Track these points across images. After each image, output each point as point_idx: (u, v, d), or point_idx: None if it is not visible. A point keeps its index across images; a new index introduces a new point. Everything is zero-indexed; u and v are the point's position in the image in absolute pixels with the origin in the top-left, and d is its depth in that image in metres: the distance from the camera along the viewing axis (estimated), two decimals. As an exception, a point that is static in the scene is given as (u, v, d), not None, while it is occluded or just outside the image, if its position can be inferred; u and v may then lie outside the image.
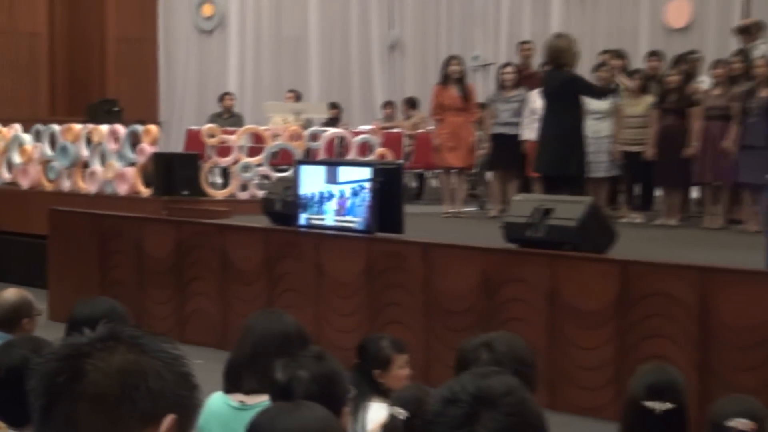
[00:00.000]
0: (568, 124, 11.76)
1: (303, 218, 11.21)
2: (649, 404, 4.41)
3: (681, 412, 4.47)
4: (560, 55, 11.82)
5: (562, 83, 11.74)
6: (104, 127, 14.91)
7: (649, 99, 13.45)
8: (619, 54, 14.38)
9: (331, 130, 15.29)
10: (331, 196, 10.98)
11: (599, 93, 12.16)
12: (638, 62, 14.52)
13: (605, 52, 14.65)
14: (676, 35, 16.94)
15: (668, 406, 4.42)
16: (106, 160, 14.63)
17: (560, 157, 11.67)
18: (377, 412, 4.92)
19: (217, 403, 4.52)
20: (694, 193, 13.94)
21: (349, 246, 10.84)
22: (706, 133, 12.83)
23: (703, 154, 12.85)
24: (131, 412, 1.94)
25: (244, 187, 14.07)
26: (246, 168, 14.02)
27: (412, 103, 17.96)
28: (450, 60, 14.37)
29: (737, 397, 4.67)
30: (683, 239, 11.97)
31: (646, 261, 9.32)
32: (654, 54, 14.58)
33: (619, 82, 12.44)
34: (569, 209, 9.67)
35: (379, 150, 14.78)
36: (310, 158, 13.49)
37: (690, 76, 13.57)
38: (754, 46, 14.15)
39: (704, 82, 13.67)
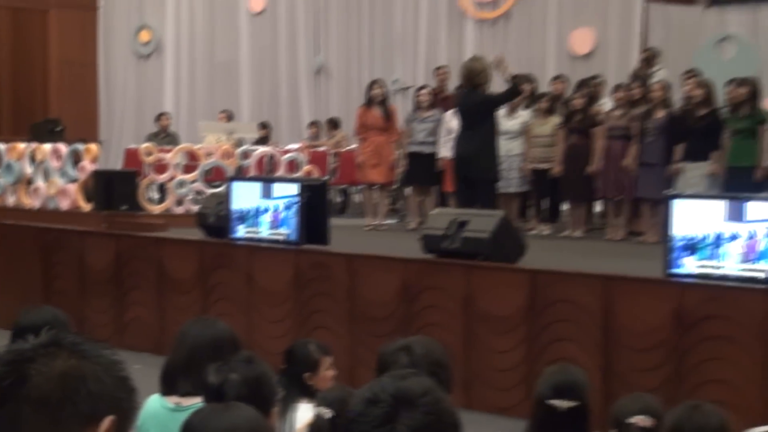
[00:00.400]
0: (484, 138, 11.84)
1: (239, 231, 11.16)
2: (553, 402, 4.45)
3: (583, 410, 4.51)
4: (475, 76, 11.89)
5: (477, 103, 11.82)
6: (47, 146, 14.76)
7: (555, 120, 13.57)
8: (527, 78, 14.49)
9: (261, 149, 15.26)
10: (265, 210, 10.96)
11: (508, 96, 12.18)
12: (545, 86, 14.61)
13: (515, 76, 14.72)
14: (580, 61, 17.09)
15: (571, 403, 4.46)
16: (49, 177, 14.48)
17: (478, 163, 11.73)
18: (305, 412, 4.92)
19: (154, 404, 4.49)
20: (598, 206, 14.06)
21: (278, 257, 10.81)
22: (608, 152, 12.95)
23: (605, 171, 12.97)
24: (72, 414, 1.93)
25: (179, 202, 14.00)
26: (181, 184, 13.95)
27: (334, 124, 17.99)
28: (373, 83, 14.42)
29: (637, 395, 4.71)
30: (588, 250, 12.06)
31: (554, 270, 9.37)
32: (559, 78, 14.72)
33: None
34: (482, 222, 9.70)
35: (306, 167, 14.76)
36: (241, 175, 13.42)
37: (593, 98, 13.71)
38: (651, 72, 14.33)
39: (606, 104, 13.82)
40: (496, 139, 12.25)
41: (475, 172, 11.75)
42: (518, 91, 12.20)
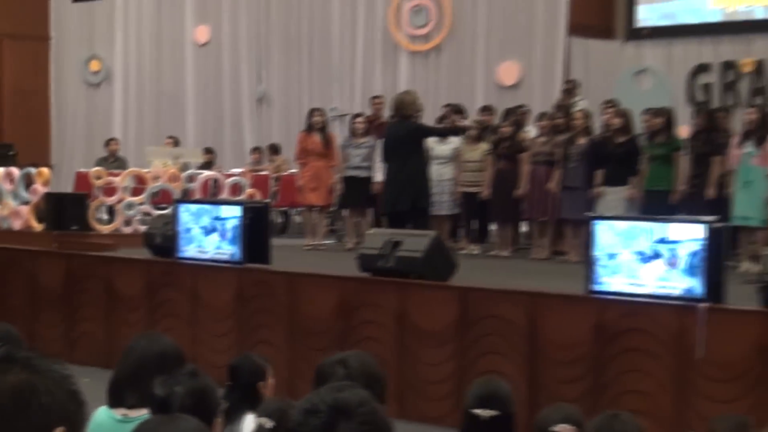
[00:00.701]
0: (414, 167, 11.90)
1: (184, 251, 11.11)
2: (477, 411, 4.47)
3: (506, 419, 4.54)
4: (406, 107, 11.97)
5: (407, 132, 11.88)
6: (0, 170, 14.63)
7: (484, 146, 13.62)
8: (458, 108, 14.59)
9: (206, 173, 15.21)
10: (210, 231, 10.93)
11: (443, 133, 12.27)
12: (474, 115, 14.69)
13: (446, 105, 14.83)
14: (507, 91, 17.19)
15: (493, 413, 4.49)
16: (2, 199, 14.34)
17: (408, 194, 11.78)
18: (250, 423, 4.90)
19: (102, 416, 4.45)
20: (524, 227, 14.12)
21: (222, 275, 10.77)
22: (534, 176, 13.03)
23: (531, 194, 13.05)
24: (25, 426, 1.93)
25: (127, 223, 13.90)
26: (129, 206, 13.88)
27: (275, 149, 17.97)
28: (313, 111, 14.44)
29: (560, 405, 4.75)
30: (514, 268, 12.11)
31: (483, 287, 9.39)
32: (487, 108, 14.81)
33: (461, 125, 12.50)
34: (415, 242, 9.72)
35: (249, 190, 14.73)
36: (187, 198, 13.37)
37: (519, 126, 13.79)
38: (573, 102, 14.46)
39: (531, 131, 13.90)
40: (427, 168, 12.34)
41: (404, 205, 11.84)
42: (455, 134, 12.30)
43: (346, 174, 14.22)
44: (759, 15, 16.23)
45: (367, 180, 14.06)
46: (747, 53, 16.31)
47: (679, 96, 16.54)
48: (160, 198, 14.21)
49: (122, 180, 14.31)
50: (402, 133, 11.94)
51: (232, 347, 10.03)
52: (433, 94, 16.00)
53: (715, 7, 16.63)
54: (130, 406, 4.34)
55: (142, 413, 4.08)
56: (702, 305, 7.96)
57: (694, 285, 8.07)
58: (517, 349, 8.81)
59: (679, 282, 8.16)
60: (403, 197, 11.83)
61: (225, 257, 10.84)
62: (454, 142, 13.73)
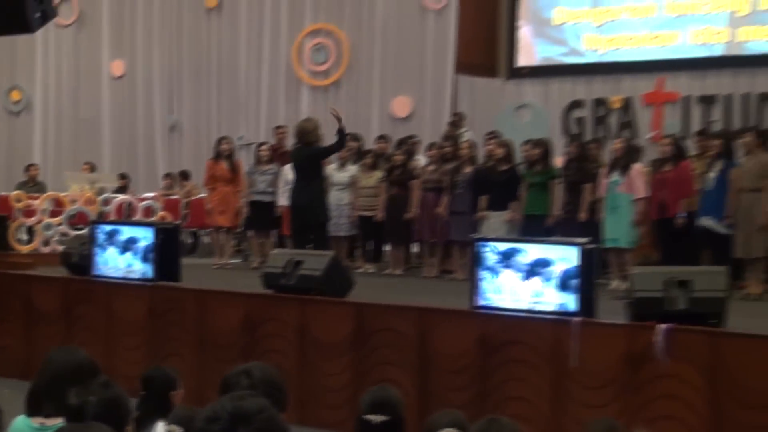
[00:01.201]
0: (316, 189, 11.90)
1: (101, 269, 10.96)
2: (369, 417, 4.47)
3: (396, 423, 4.54)
4: (307, 134, 11.96)
5: (308, 157, 11.88)
6: (-75, 192, 14.35)
7: (378, 174, 13.68)
8: (355, 137, 14.60)
9: (120, 197, 15.06)
10: (124, 250, 10.82)
11: (335, 148, 12.24)
12: (370, 144, 14.72)
13: (340, 130, 14.82)
14: (400, 123, 17.29)
15: (384, 418, 4.49)
16: (-74, 220, 14.03)
17: (311, 210, 11.77)
18: (161, 430, 4.84)
19: (20, 425, 4.36)
20: (415, 248, 14.17)
21: (135, 292, 10.64)
22: (424, 201, 13.11)
23: (421, 217, 13.12)
24: None
25: (46, 243, 13.71)
26: (48, 227, 13.67)
27: (185, 175, 17.83)
28: (221, 140, 14.42)
29: (447, 411, 4.74)
30: (406, 286, 12.15)
31: (377, 303, 9.41)
32: (382, 137, 14.86)
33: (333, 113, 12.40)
34: (315, 261, 9.71)
35: (160, 213, 14.63)
36: (102, 219, 13.18)
37: (410, 155, 13.87)
38: (460, 133, 14.58)
39: (421, 160, 13.98)
40: (327, 188, 12.37)
41: (309, 217, 11.79)
42: (344, 144, 12.28)
43: (252, 198, 14.20)
44: (627, 57, 16.51)
45: (271, 204, 14.04)
46: (616, 91, 16.58)
47: (555, 129, 16.74)
48: (77, 220, 14.00)
49: (41, 203, 14.10)
50: (304, 158, 11.95)
51: (144, 359, 9.88)
52: (332, 125, 15.79)
53: (588, 49, 16.89)
54: (47, 415, 4.26)
55: (58, 422, 4.00)
56: (575, 319, 8.04)
57: (568, 301, 8.17)
58: (408, 360, 8.82)
59: (554, 298, 8.25)
60: (307, 214, 11.82)
61: (138, 275, 10.72)
62: (351, 170, 13.78)
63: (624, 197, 11.79)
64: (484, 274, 8.57)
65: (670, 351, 7.61)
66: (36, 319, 11.28)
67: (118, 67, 20.55)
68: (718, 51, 15.83)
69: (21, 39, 21.00)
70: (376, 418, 4.50)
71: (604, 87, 16.71)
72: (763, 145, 11.61)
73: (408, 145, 14.11)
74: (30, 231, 14.39)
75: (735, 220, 11.26)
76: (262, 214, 14.14)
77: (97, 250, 11.07)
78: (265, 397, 2.57)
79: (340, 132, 11.80)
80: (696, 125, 15.24)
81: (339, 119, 11.69)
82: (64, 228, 13.80)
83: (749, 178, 11.21)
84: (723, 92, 15.73)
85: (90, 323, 10.87)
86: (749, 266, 11.22)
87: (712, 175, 11.55)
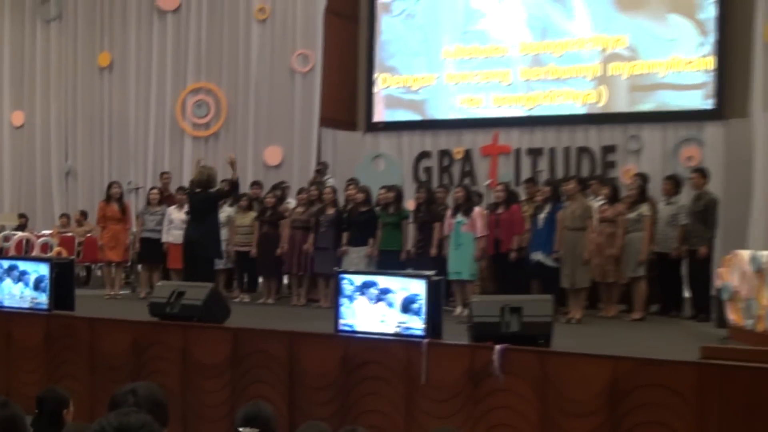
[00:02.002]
0: (209, 228, 11.82)
1: (1, 299, 10.64)
2: (243, 429, 4.43)
3: None
4: (203, 180, 11.93)
5: (202, 200, 11.81)
6: None
7: (252, 214, 13.61)
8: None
9: (20, 234, 14.64)
10: (24, 283, 10.52)
11: (225, 194, 12.28)
12: (245, 189, 14.63)
13: (223, 180, 14.69)
14: (272, 170, 17.23)
15: (255, 430, 4.46)
16: None
17: (203, 244, 11.68)
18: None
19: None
20: (285, 280, 14.10)
21: (33, 320, 10.31)
22: (292, 238, 13.07)
23: (290, 253, 13.07)
24: None
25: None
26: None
27: (85, 215, 17.41)
28: (112, 184, 14.21)
29: (313, 423, 4.72)
30: (278, 313, 12.05)
31: (252, 328, 9.30)
32: (256, 183, 14.80)
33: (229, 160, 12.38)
34: (197, 292, 9.60)
35: (56, 249, 14.27)
36: (2, 255, 12.77)
37: (281, 199, 13.83)
38: (324, 179, 14.61)
39: (291, 203, 13.96)
40: (219, 230, 12.29)
41: (200, 252, 11.72)
42: (236, 191, 12.28)
43: (143, 236, 14.03)
44: (467, 115, 16.82)
45: (158, 240, 13.86)
46: (458, 143, 16.87)
47: (407, 176, 16.95)
48: (-21, 255, 13.57)
49: (-55, 240, 13.63)
50: (199, 201, 11.89)
51: (41, 381, 9.59)
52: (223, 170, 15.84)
53: (434, 108, 17.16)
54: (-51, 434, 4.10)
55: (-41, 440, 3.85)
56: (424, 341, 8.10)
57: (418, 325, 8.22)
58: (279, 378, 8.76)
59: (406, 323, 8.29)
60: (199, 249, 11.75)
61: (35, 305, 10.43)
62: (228, 211, 13.70)
63: (467, 236, 11.96)
64: (345, 302, 8.58)
65: (505, 368, 7.71)
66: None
67: (18, 118, 20.01)
68: (543, 111, 16.25)
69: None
70: (249, 430, 4.46)
71: (448, 140, 16.98)
72: (583, 190, 11.95)
73: (279, 190, 14.08)
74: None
75: (561, 255, 11.52)
76: (151, 250, 13.95)
77: (2, 282, 10.73)
78: (148, 414, 2.52)
79: (232, 183, 11.84)
80: (525, 174, 15.59)
81: (234, 169, 11.72)
82: (-34, 263, 13.33)
83: (573, 219, 11.50)
84: (548, 146, 16.15)
85: (-10, 349, 10.52)
86: (572, 295, 11.47)
87: (542, 216, 11.80)
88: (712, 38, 15.08)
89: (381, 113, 17.68)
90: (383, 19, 17.65)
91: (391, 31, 17.57)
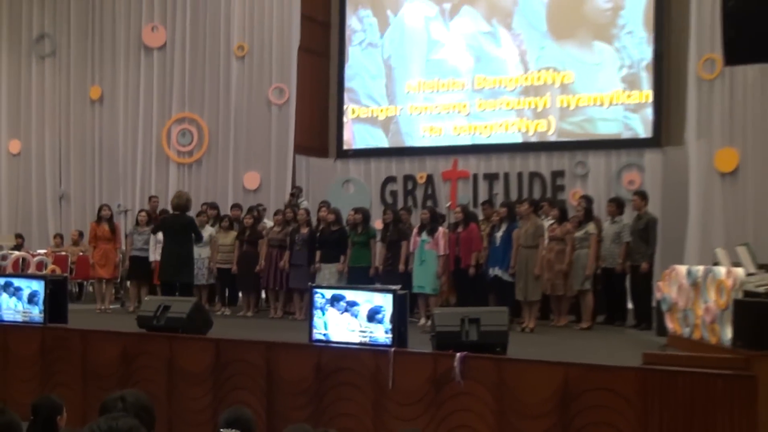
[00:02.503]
0: (185, 250, 11.80)
1: (3, 314, 10.53)
2: (223, 430, 4.41)
3: None
4: (182, 204, 11.89)
5: (183, 224, 11.79)
6: None
7: (233, 234, 13.56)
8: (213, 205, 14.51)
9: (16, 253, 14.47)
10: (19, 298, 10.42)
11: (199, 234, 12.27)
12: (226, 210, 14.58)
13: (204, 204, 14.71)
14: (250, 194, 17.17)
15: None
16: None
17: (179, 269, 11.68)
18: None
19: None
20: (263, 294, 14.04)
21: (29, 332, 10.19)
22: (270, 256, 13.04)
23: (268, 269, 13.03)
24: None
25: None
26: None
27: (81, 235, 17.24)
28: (102, 207, 14.11)
29: (294, 427, 4.69)
30: (256, 325, 11.97)
31: (232, 339, 9.25)
32: (236, 205, 14.75)
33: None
34: (181, 306, 9.57)
35: (51, 266, 14.12)
36: (1, 272, 12.63)
37: (259, 219, 13.77)
38: (299, 202, 14.58)
39: (268, 223, 13.91)
40: (193, 251, 12.23)
41: (176, 278, 11.75)
42: (200, 238, 12.43)
43: (132, 254, 13.95)
44: (429, 143, 16.89)
45: (146, 258, 13.77)
46: (421, 169, 16.92)
47: (375, 199, 16.96)
48: (-22, 273, 13.41)
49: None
50: (178, 224, 11.85)
51: (36, 389, 9.47)
52: (195, 195, 15.72)
53: (399, 136, 17.21)
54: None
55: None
56: (391, 350, 8.10)
57: (385, 335, 8.22)
58: (257, 385, 8.71)
59: (375, 333, 8.29)
60: (175, 270, 11.72)
61: (31, 318, 10.33)
62: (210, 230, 13.65)
63: (430, 253, 11.97)
64: (317, 314, 8.56)
65: (465, 374, 7.73)
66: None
67: (15, 146, 19.80)
68: (498, 139, 16.35)
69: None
70: None
71: (411, 166, 17.03)
72: (535, 211, 12.01)
73: (257, 212, 14.03)
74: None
75: (516, 271, 11.57)
76: (139, 267, 13.85)
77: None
78: (135, 418, 2.51)
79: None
80: (482, 196, 15.65)
81: None
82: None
83: (526, 238, 11.55)
84: (503, 171, 16.24)
85: (-12, 360, 10.38)
86: (526, 307, 11.51)
87: (499, 234, 11.85)
88: (650, 74, 15.26)
89: (350, 141, 17.72)
90: (352, 54, 17.71)
91: (359, 65, 17.63)
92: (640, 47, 15.32)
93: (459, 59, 16.67)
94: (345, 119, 17.72)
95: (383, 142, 17.36)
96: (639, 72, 15.34)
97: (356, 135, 17.65)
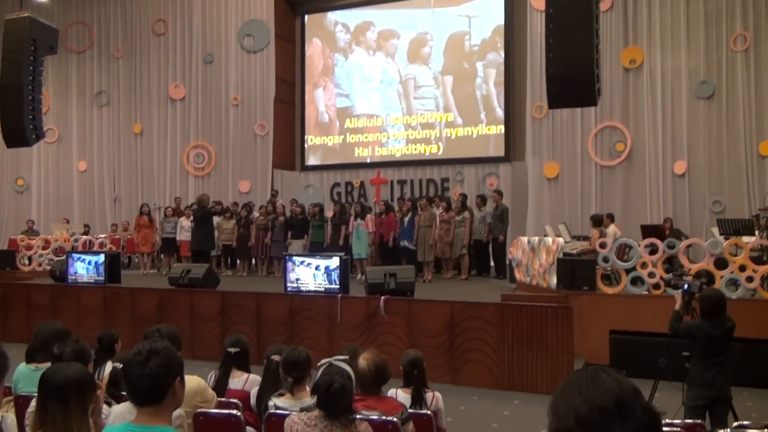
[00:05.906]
0: (209, 230, 11.64)
1: (73, 278, 10.16)
2: (229, 349, 4.34)
3: (244, 353, 4.40)
4: (203, 201, 11.78)
5: (203, 213, 11.61)
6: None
7: (233, 221, 13.28)
8: (219, 203, 14.17)
9: (84, 237, 13.97)
10: (86, 267, 10.11)
11: (211, 213, 12.10)
12: (231, 206, 14.27)
13: (213, 201, 14.41)
14: (244, 195, 16.86)
15: (237, 349, 4.37)
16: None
17: (205, 242, 11.54)
18: (109, 366, 4.49)
19: (22, 369, 3.95)
20: (254, 261, 13.76)
21: (93, 290, 9.91)
22: (257, 236, 12.82)
23: (256, 244, 12.83)
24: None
25: (40, 265, 12.55)
26: (41, 256, 12.58)
27: (128, 224, 16.65)
28: (143, 205, 13.83)
29: (274, 346, 4.60)
30: (249, 281, 11.77)
31: (233, 291, 9.13)
32: (235, 203, 14.45)
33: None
34: (198, 270, 9.43)
35: (109, 245, 13.70)
36: (73, 250, 12.20)
37: (250, 211, 13.54)
38: (276, 200, 14.38)
39: (256, 214, 13.66)
40: (214, 230, 12.04)
41: (201, 247, 11.54)
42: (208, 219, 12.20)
43: (163, 236, 13.62)
44: (361, 160, 16.80)
45: (174, 239, 13.45)
46: (356, 177, 16.83)
47: (326, 197, 16.86)
48: (59, 251, 12.92)
49: (36, 242, 12.94)
50: (200, 213, 11.65)
51: (99, 327, 9.23)
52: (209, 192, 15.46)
53: (341, 156, 17.10)
54: (40, 361, 3.89)
55: (47, 365, 3.65)
56: (339, 295, 8.07)
57: (335, 285, 8.19)
58: (250, 321, 8.62)
59: (328, 284, 8.24)
60: (201, 243, 11.58)
61: (95, 280, 10.03)
62: (217, 219, 13.39)
63: (363, 232, 11.95)
64: (290, 273, 8.48)
65: (387, 310, 7.75)
66: (32, 309, 10.31)
67: (83, 165, 19.13)
68: (407, 157, 16.35)
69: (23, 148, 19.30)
70: (233, 350, 4.37)
71: (350, 175, 16.95)
72: (430, 205, 12.05)
73: (249, 207, 13.82)
74: (29, 258, 13.16)
75: (418, 242, 11.60)
76: (168, 245, 13.53)
77: (70, 267, 10.26)
78: (168, 341, 2.46)
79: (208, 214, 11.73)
80: (397, 195, 15.67)
81: None
82: (50, 255, 12.69)
83: (424, 220, 11.60)
84: (410, 178, 16.27)
85: (66, 309, 10.03)
86: (425, 266, 11.56)
87: (407, 219, 11.87)
88: (503, 114, 15.44)
89: (310, 160, 17.55)
90: (311, 101, 17.54)
91: (314, 110, 17.47)
92: (499, 96, 15.49)
93: (376, 106, 16.62)
94: (306, 145, 17.55)
95: (333, 160, 17.24)
96: (495, 113, 15.51)
97: (314, 155, 17.50)
